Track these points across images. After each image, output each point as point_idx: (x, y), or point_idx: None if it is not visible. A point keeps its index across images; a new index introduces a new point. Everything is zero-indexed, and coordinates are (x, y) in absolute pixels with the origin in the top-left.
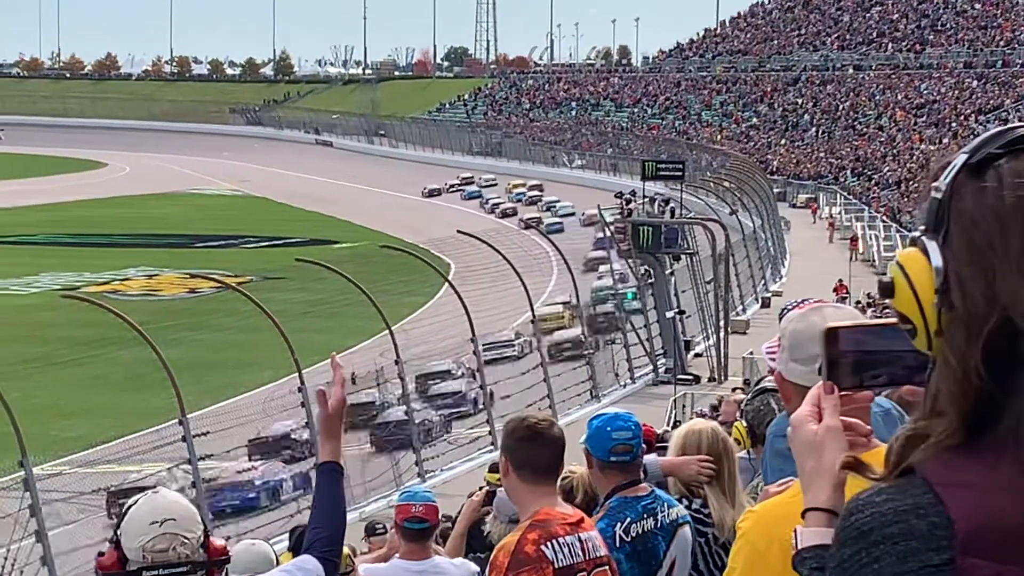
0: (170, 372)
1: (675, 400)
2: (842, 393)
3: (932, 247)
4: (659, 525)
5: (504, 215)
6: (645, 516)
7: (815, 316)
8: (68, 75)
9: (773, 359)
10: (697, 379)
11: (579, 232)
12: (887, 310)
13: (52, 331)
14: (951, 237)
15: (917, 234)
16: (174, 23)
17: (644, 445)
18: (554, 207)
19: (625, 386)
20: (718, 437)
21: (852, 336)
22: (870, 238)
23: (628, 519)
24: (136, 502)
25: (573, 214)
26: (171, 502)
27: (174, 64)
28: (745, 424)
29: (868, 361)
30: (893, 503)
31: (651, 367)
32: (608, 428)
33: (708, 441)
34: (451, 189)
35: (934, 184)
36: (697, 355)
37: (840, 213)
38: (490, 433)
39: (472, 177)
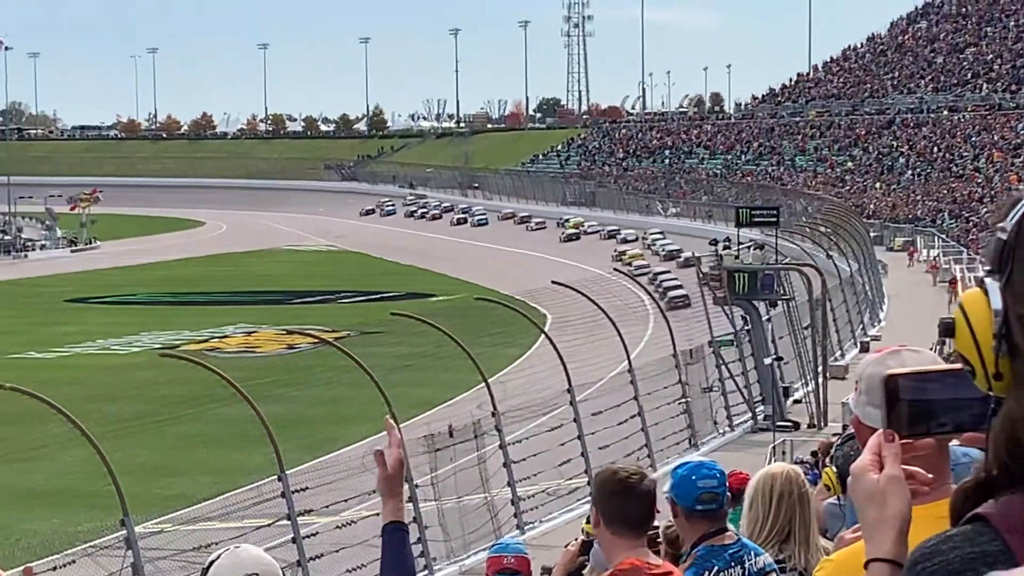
0: (268, 428)
1: (774, 447)
2: (903, 441)
3: (993, 288)
4: (747, 573)
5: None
6: (733, 564)
7: (892, 360)
8: (165, 136)
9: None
10: (796, 426)
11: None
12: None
13: (152, 390)
14: (1014, 280)
15: (982, 275)
16: (268, 81)
17: (729, 494)
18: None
19: (724, 434)
20: (792, 481)
21: (913, 383)
22: (969, 280)
23: (716, 567)
24: (218, 557)
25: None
26: (253, 557)
27: (269, 122)
28: (835, 470)
29: (930, 408)
30: (960, 551)
31: (749, 414)
32: (693, 477)
33: (781, 485)
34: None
35: (1000, 224)
36: (796, 401)
37: (939, 256)
38: (588, 484)
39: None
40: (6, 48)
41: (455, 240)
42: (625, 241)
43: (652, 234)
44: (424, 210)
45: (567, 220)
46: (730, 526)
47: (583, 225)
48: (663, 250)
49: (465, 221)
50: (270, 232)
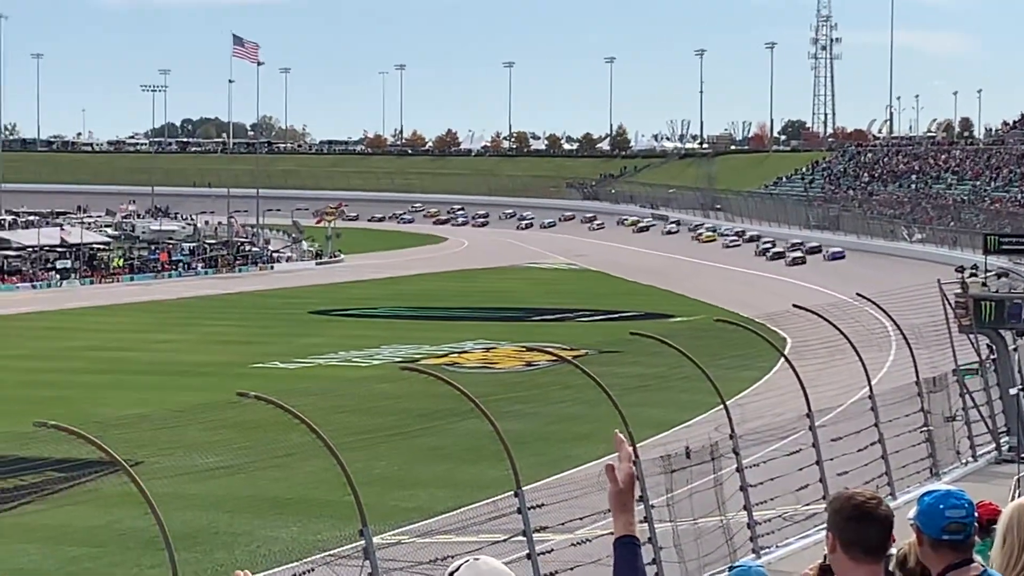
0: (506, 444)
1: (1019, 479)
2: None
3: None
4: None
5: None
6: None
7: None
8: (410, 151)
9: None
10: None
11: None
12: None
13: (392, 403)
14: None
15: None
16: (513, 99)
17: (977, 525)
18: None
19: (966, 464)
20: None
21: None
22: None
23: None
24: (458, 568)
25: None
26: (493, 568)
27: (513, 140)
28: None
29: None
30: None
31: (993, 445)
32: (941, 506)
33: None
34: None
35: None
36: None
37: None
38: (826, 510)
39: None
40: (259, 63)
41: (696, 261)
42: None
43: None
44: (673, 227)
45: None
46: (977, 557)
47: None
48: None
49: (768, 251)
50: (511, 249)
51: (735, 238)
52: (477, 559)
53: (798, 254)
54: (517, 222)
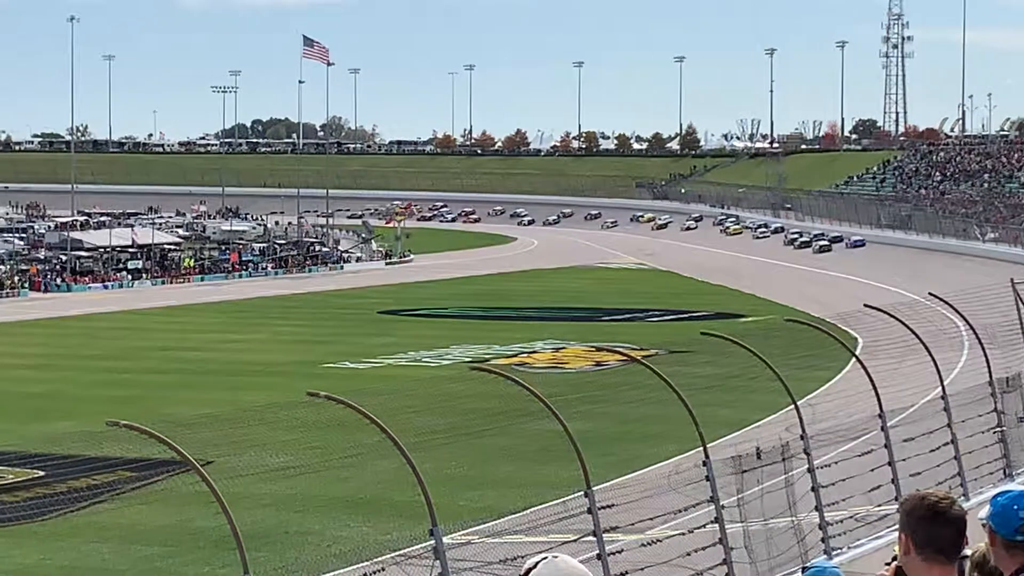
0: (576, 444)
1: None
2: None
3: None
4: None
5: None
6: None
7: None
8: (479, 151)
9: None
10: None
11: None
12: None
13: (462, 402)
14: None
15: None
16: (582, 99)
17: None
18: None
19: None
20: None
21: None
22: None
23: None
24: (535, 565)
25: None
26: (570, 566)
27: (582, 139)
28: None
29: None
30: None
31: None
32: (1015, 507)
33: None
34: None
35: None
36: None
37: None
38: (898, 511)
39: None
40: (329, 64)
41: (766, 261)
42: None
43: None
44: (741, 226)
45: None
46: None
47: None
48: None
49: (796, 241)
50: (580, 249)
51: (764, 229)
52: (555, 556)
53: (824, 242)
54: (582, 221)
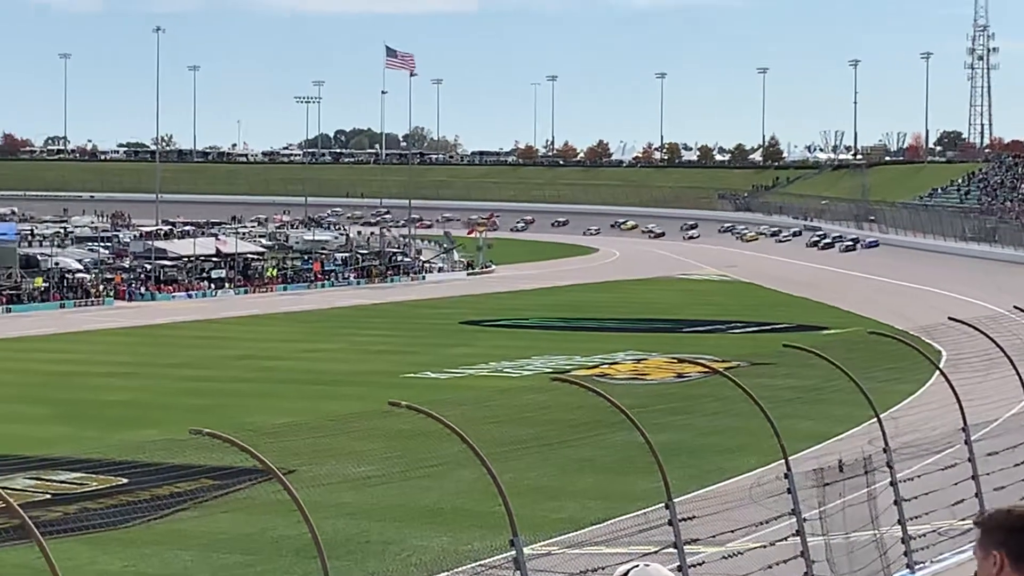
0: (657, 456)
1: None
2: None
3: None
4: None
5: None
6: None
7: None
8: (561, 162)
9: None
10: None
11: None
12: None
13: (543, 413)
14: None
15: None
16: (664, 110)
17: None
18: None
19: None
20: None
21: None
22: None
23: None
24: (627, 573)
25: None
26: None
27: (664, 151)
28: None
29: None
30: None
31: None
32: None
33: None
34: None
35: None
36: None
37: None
38: (978, 527)
39: None
40: (412, 74)
41: (849, 273)
42: None
43: None
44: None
45: None
46: None
47: None
48: None
49: (819, 243)
50: (661, 260)
51: (788, 234)
52: (647, 565)
53: (849, 242)
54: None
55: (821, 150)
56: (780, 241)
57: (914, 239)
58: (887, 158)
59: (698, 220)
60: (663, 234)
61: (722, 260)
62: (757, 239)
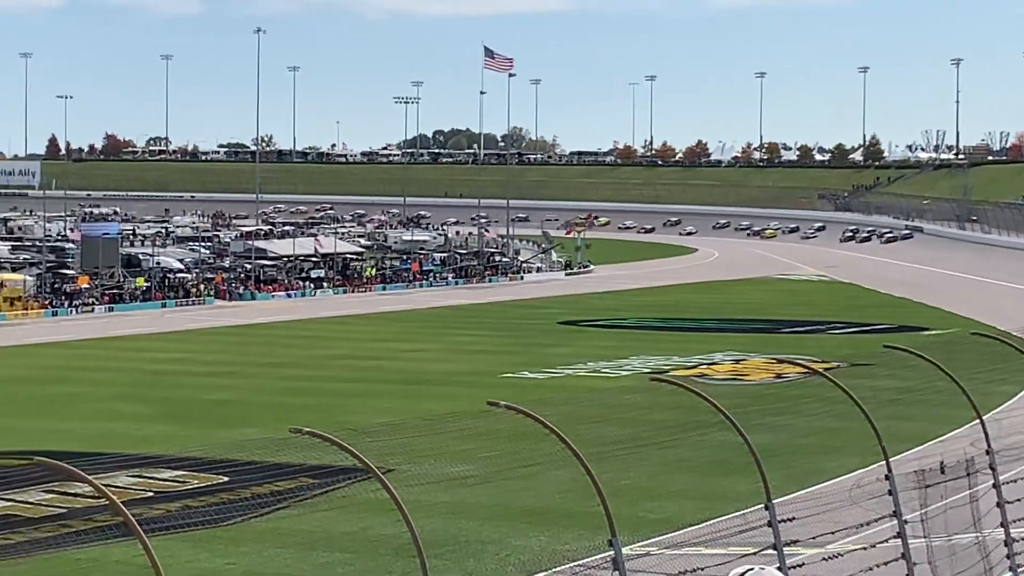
0: (756, 456)
1: None
2: None
3: None
4: None
5: None
6: None
7: None
8: (659, 162)
9: None
10: None
11: None
12: None
13: (641, 413)
14: None
15: None
16: (764, 109)
17: None
18: None
19: None
20: None
21: None
22: None
23: None
24: (743, 574)
25: None
26: None
27: (763, 150)
28: None
29: None
30: None
31: None
32: None
33: None
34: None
35: None
36: None
37: None
38: None
39: None
40: (511, 75)
41: (949, 273)
42: None
43: None
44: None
45: None
46: None
47: None
48: None
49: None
50: (761, 260)
51: (814, 231)
52: (762, 568)
53: (890, 234)
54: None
55: (923, 149)
56: (806, 238)
57: (1017, 239)
58: (990, 157)
59: (799, 221)
60: (775, 235)
61: (822, 260)
62: (775, 235)
